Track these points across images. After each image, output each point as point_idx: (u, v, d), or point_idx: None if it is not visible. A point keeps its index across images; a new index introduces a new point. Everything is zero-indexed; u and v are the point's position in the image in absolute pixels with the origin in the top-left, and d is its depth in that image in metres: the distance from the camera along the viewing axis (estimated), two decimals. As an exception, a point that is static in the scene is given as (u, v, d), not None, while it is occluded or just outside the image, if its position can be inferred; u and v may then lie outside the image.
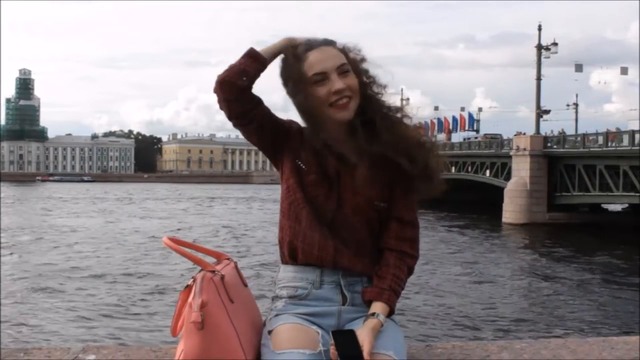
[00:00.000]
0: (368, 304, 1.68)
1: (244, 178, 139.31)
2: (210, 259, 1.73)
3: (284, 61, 1.78)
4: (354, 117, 1.73)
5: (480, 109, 67.22)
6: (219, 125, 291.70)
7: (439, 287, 16.08)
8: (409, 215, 1.76)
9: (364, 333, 1.55)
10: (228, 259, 1.77)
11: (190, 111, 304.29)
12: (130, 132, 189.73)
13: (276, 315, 1.72)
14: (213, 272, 1.62)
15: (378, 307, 1.65)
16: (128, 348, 1.81)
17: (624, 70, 48.23)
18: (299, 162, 1.77)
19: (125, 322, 12.40)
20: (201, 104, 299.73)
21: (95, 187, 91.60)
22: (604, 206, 35.89)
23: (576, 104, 56.95)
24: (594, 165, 31.42)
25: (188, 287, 1.62)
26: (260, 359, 1.63)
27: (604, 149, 30.95)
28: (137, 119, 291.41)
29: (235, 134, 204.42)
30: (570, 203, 33.99)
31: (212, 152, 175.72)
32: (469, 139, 52.23)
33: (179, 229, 31.25)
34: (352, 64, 1.74)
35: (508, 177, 37.03)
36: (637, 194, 29.06)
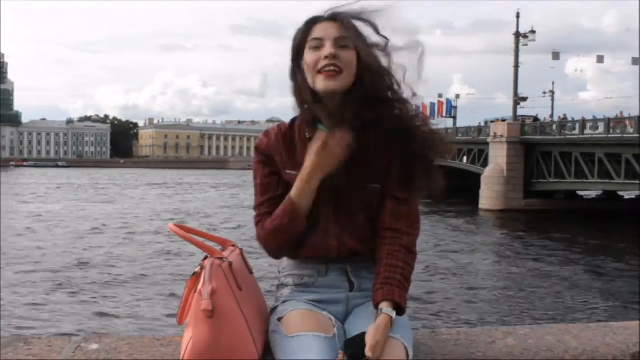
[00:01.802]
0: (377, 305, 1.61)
1: (221, 164, 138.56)
2: (215, 246, 1.71)
3: (295, 34, 1.72)
4: (347, 92, 1.65)
5: (457, 96, 67.46)
6: (195, 110, 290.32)
7: (416, 274, 16.16)
8: (404, 193, 1.71)
9: (370, 333, 1.51)
10: (233, 245, 1.74)
11: (167, 96, 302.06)
12: (106, 117, 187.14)
13: (284, 302, 1.71)
14: (221, 259, 1.59)
15: (384, 303, 1.59)
16: (131, 337, 1.78)
17: (600, 59, 48.80)
18: (289, 171, 1.72)
19: (113, 310, 12.31)
20: (178, 89, 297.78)
21: (69, 173, 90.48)
22: (579, 193, 36.39)
23: (552, 92, 57.61)
24: (569, 153, 31.81)
25: (195, 275, 1.60)
26: (271, 346, 1.61)
27: (580, 136, 31.34)
28: (113, 103, 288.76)
29: (213, 120, 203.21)
30: (546, 190, 34.43)
31: (189, 137, 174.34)
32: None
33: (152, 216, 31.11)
34: (355, 42, 1.66)
35: (485, 164, 37.35)
36: (612, 181, 29.56)
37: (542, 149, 34.23)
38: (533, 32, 42.45)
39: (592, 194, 36.90)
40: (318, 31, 1.67)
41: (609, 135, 29.31)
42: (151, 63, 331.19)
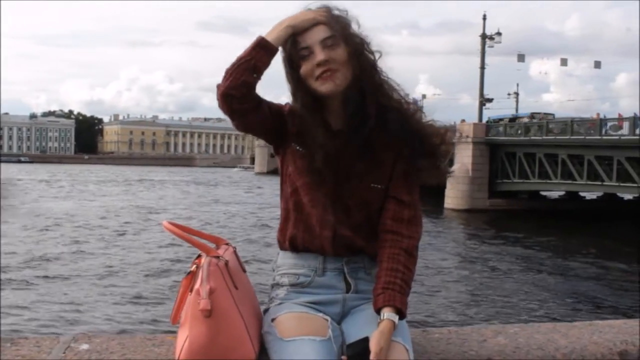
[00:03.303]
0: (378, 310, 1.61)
1: (187, 161, 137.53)
2: (208, 244, 1.69)
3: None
4: (346, 90, 1.67)
5: (424, 96, 68.02)
6: (161, 106, 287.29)
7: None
8: (408, 196, 1.72)
9: (374, 338, 1.52)
10: (227, 243, 1.73)
11: (132, 92, 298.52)
12: (71, 112, 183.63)
13: (279, 304, 1.69)
14: (217, 257, 1.58)
15: (385, 309, 1.59)
16: (121, 336, 1.74)
17: (564, 62, 49.85)
18: (297, 146, 1.73)
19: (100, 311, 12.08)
20: (143, 85, 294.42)
21: (30, 168, 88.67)
22: (543, 193, 37.06)
23: (517, 93, 58.42)
24: (533, 154, 32.38)
25: (191, 274, 1.58)
26: (266, 347, 1.60)
27: (544, 137, 31.91)
28: (77, 98, 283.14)
29: (179, 116, 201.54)
30: (511, 190, 34.97)
31: (154, 134, 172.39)
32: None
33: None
34: (344, 36, 1.67)
35: (451, 164, 37.73)
36: (574, 182, 30.18)
37: (506, 150, 34.75)
38: (499, 34, 43.15)
39: (555, 194, 37.61)
40: (304, 39, 1.67)
41: (572, 137, 29.93)
42: (117, 58, 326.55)
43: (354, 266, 1.73)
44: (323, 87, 1.65)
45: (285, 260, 1.77)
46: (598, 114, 33.71)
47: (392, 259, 1.66)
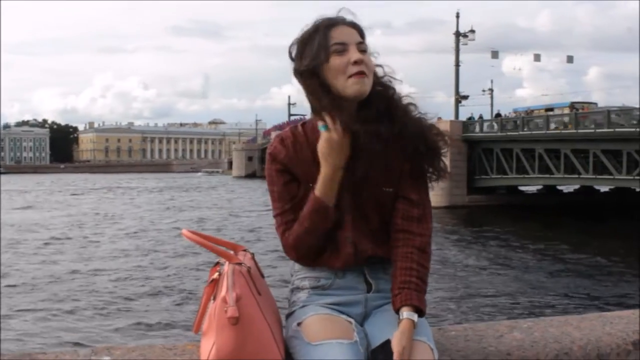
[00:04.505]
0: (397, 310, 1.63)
1: (164, 167, 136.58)
2: (226, 250, 1.69)
3: (303, 35, 1.70)
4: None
5: (399, 95, 68.31)
6: (136, 113, 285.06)
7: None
8: (417, 195, 1.74)
9: (396, 339, 1.54)
10: (245, 250, 1.73)
11: (107, 99, 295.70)
12: (45, 121, 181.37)
13: (302, 306, 1.70)
14: (239, 264, 1.58)
15: (404, 308, 1.61)
16: (141, 347, 1.73)
17: (537, 57, 50.42)
18: (310, 184, 1.71)
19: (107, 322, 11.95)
20: (117, 91, 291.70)
21: (5, 179, 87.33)
22: (520, 188, 37.47)
23: (491, 90, 58.91)
24: (510, 149, 32.71)
25: (213, 282, 1.58)
26: (290, 352, 1.60)
27: (520, 132, 32.28)
28: (51, 107, 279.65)
29: (155, 122, 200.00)
30: (489, 185, 35.28)
31: (130, 140, 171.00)
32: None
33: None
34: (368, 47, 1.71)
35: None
36: (552, 176, 30.58)
37: (484, 146, 35.05)
38: (472, 31, 43.47)
39: (533, 188, 38.04)
40: (339, 35, 1.67)
41: (548, 132, 30.33)
42: (89, 65, 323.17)
43: (374, 267, 1.74)
44: (355, 86, 1.64)
45: (304, 266, 1.78)
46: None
47: (406, 257, 1.68)
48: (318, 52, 1.66)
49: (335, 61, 1.65)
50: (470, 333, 1.86)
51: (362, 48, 1.67)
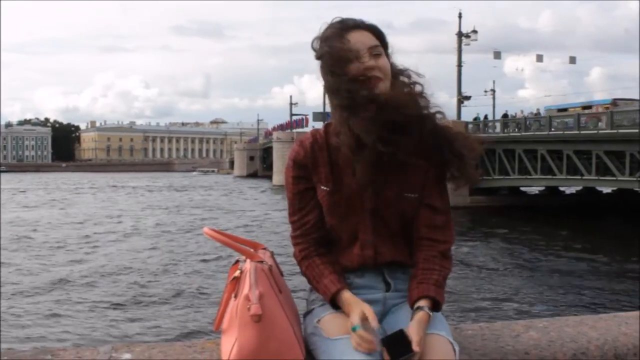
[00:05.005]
0: (412, 304, 1.64)
1: (165, 166, 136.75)
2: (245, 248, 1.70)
3: (322, 40, 1.71)
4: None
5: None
6: (137, 112, 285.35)
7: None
8: (441, 202, 1.75)
9: (413, 328, 1.54)
10: (264, 248, 1.74)
11: (108, 98, 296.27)
12: (47, 120, 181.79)
13: (321, 305, 1.71)
14: (261, 262, 1.59)
15: (420, 301, 1.63)
16: (161, 345, 1.74)
17: (540, 58, 50.36)
18: (322, 187, 1.74)
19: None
20: (119, 91, 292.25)
21: (7, 178, 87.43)
22: (522, 189, 37.42)
23: (494, 90, 58.80)
24: (513, 150, 32.65)
25: (235, 279, 1.59)
26: (310, 348, 1.62)
27: (523, 134, 32.23)
28: (52, 106, 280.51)
29: (156, 122, 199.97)
30: (491, 186, 35.22)
31: (132, 140, 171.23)
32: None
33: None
34: (385, 48, 1.72)
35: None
36: (554, 177, 30.52)
37: (486, 147, 34.84)
38: (475, 31, 43.47)
39: (535, 189, 38.00)
40: (353, 41, 1.67)
41: (550, 132, 30.29)
42: (91, 64, 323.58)
43: (392, 267, 1.75)
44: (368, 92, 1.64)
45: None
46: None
47: (428, 260, 1.70)
48: (335, 56, 1.65)
49: (349, 69, 1.64)
50: (486, 332, 1.86)
51: (375, 52, 1.67)
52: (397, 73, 1.73)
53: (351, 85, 1.63)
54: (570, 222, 26.73)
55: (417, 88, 1.73)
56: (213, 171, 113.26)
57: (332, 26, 1.71)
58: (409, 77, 1.74)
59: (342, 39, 1.67)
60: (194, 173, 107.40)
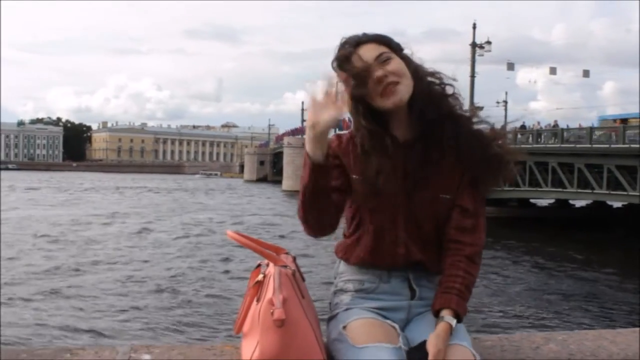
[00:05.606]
0: (436, 313, 1.64)
1: (175, 168, 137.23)
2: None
3: (339, 59, 1.71)
4: (410, 100, 1.69)
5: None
6: (149, 114, 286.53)
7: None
8: (472, 204, 1.74)
9: (432, 340, 1.55)
10: (287, 253, 1.75)
11: (120, 99, 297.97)
12: (59, 119, 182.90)
13: (346, 309, 1.71)
14: (285, 266, 1.60)
15: (443, 311, 1.63)
16: (181, 346, 1.74)
17: (553, 70, 50.12)
18: (354, 176, 1.75)
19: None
20: (132, 92, 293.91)
21: (19, 176, 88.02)
22: (532, 201, 37.23)
23: (506, 102, 58.64)
24: (523, 162, 32.22)
25: (258, 283, 1.59)
26: (333, 354, 1.62)
27: (534, 145, 32.08)
28: (65, 106, 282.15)
29: (167, 124, 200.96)
30: (501, 197, 35.05)
31: (143, 141, 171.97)
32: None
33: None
34: (397, 51, 1.72)
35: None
36: (564, 190, 30.35)
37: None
38: (489, 42, 43.32)
39: (545, 202, 37.78)
40: (358, 60, 1.68)
41: (562, 145, 30.15)
42: (104, 66, 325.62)
43: (419, 274, 1.76)
44: (388, 102, 1.67)
45: (348, 267, 1.79)
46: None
47: (453, 265, 1.69)
48: (358, 75, 1.67)
49: (367, 86, 1.67)
50: (506, 344, 1.86)
51: (382, 59, 1.68)
52: (426, 74, 1.74)
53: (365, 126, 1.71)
54: (581, 234, 26.53)
55: (448, 90, 1.75)
56: (216, 174, 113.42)
57: (342, 47, 1.72)
58: (440, 79, 1.75)
59: (351, 60, 1.68)
60: (197, 176, 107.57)
